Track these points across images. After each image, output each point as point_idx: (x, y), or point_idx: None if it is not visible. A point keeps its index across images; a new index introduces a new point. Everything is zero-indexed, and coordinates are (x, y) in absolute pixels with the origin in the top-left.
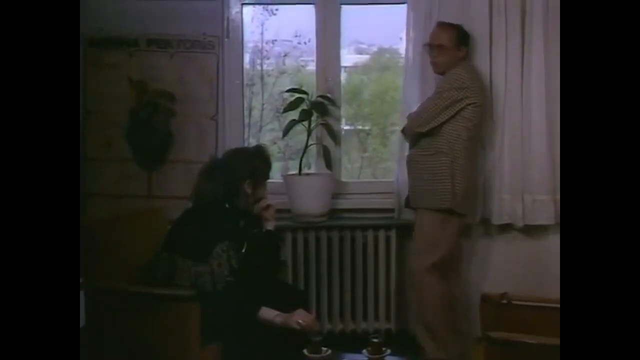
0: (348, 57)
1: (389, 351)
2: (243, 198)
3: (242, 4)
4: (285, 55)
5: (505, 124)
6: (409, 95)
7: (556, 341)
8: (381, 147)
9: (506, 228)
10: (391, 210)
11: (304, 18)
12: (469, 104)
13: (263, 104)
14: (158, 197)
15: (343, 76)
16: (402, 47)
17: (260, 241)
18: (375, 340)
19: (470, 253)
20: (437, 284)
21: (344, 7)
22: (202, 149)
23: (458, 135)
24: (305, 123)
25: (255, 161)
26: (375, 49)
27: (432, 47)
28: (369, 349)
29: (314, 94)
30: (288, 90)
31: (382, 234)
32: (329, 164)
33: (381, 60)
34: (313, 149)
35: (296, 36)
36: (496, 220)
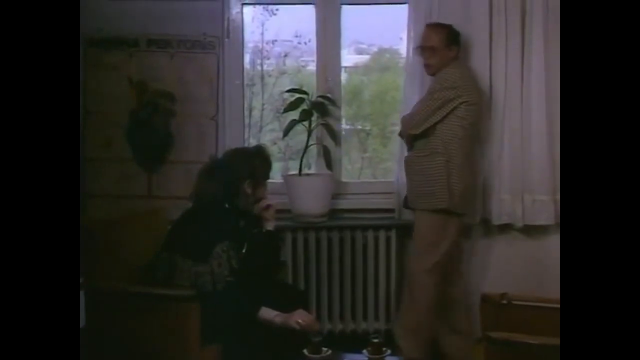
0: (348, 57)
1: (389, 351)
2: (243, 198)
3: (243, 4)
4: (285, 56)
5: (505, 123)
6: (410, 96)
7: (556, 341)
8: (381, 147)
9: (506, 228)
10: (391, 211)
11: (304, 18)
12: (462, 103)
13: (263, 104)
14: (158, 198)
15: (343, 76)
16: (402, 48)
17: (260, 241)
18: (375, 340)
19: (470, 253)
20: (434, 286)
21: (344, 7)
22: (202, 149)
23: (453, 134)
24: (306, 123)
25: (255, 161)
26: (375, 49)
27: (424, 49)
28: (369, 349)
29: (314, 94)
30: (288, 91)
31: (382, 234)
32: (329, 164)
33: (381, 61)
34: (313, 149)
35: (296, 36)
36: (496, 221)
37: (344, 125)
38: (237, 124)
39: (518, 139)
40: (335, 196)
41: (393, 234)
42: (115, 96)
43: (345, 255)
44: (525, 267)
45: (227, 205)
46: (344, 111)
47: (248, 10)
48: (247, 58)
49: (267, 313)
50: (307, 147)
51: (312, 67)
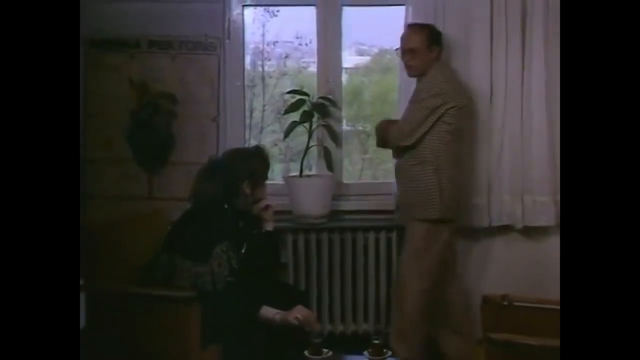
0: (349, 59)
1: (389, 353)
2: (242, 198)
3: (243, 5)
4: (286, 57)
5: (505, 124)
6: (407, 97)
7: (557, 342)
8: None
9: (506, 229)
10: (392, 212)
11: (305, 19)
12: (450, 108)
13: (264, 106)
14: (159, 199)
15: (344, 77)
16: None
17: (260, 242)
18: (376, 341)
19: (471, 255)
20: (423, 292)
21: (345, 8)
22: (203, 151)
23: (441, 140)
24: (307, 124)
25: (254, 161)
26: (376, 50)
27: (404, 51)
28: (370, 350)
29: (315, 95)
30: (289, 92)
31: (383, 236)
32: (330, 165)
33: (382, 62)
34: (314, 151)
35: (297, 37)
36: (496, 222)
37: (345, 127)
38: (238, 125)
39: (518, 140)
40: (336, 197)
41: (394, 235)
42: (116, 97)
43: (346, 257)
44: (526, 268)
45: (226, 206)
46: (345, 112)
47: (249, 12)
48: (248, 59)
49: (267, 312)
50: (307, 148)
51: (313, 68)
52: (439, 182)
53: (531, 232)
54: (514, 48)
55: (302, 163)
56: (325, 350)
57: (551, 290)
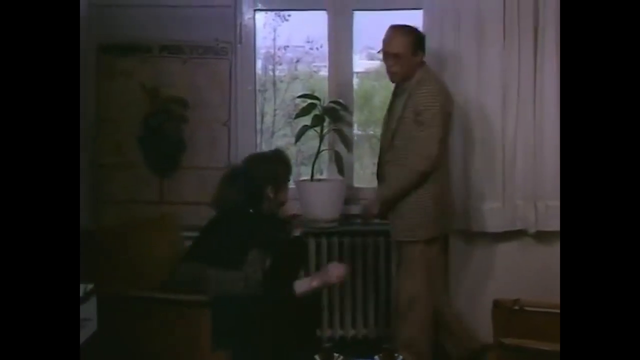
0: (360, 63)
1: (400, 357)
2: (266, 203)
3: (255, 10)
4: (297, 61)
5: (518, 128)
6: None
7: None
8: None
9: (518, 234)
10: None
11: (316, 24)
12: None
13: (275, 110)
14: (170, 203)
15: (355, 82)
16: None
17: (288, 247)
18: (386, 346)
19: (483, 259)
20: (424, 304)
21: (356, 12)
22: (214, 155)
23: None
24: (318, 129)
25: (276, 166)
26: None
27: (388, 56)
28: (381, 355)
29: (326, 99)
30: (300, 96)
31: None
32: (341, 169)
33: None
34: (325, 155)
35: (308, 42)
36: (509, 226)
37: (356, 131)
38: (249, 129)
39: (531, 144)
40: (347, 202)
41: None
42: (128, 102)
43: (357, 261)
44: (538, 272)
45: (251, 210)
46: (356, 117)
47: (260, 16)
48: (259, 64)
49: (302, 285)
50: (319, 152)
51: (324, 72)
52: (433, 200)
53: (543, 236)
54: (526, 52)
55: (313, 167)
56: (336, 354)
57: None
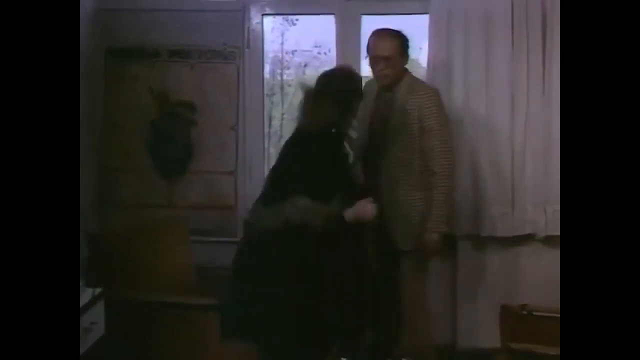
0: (368, 67)
1: None
2: (349, 121)
3: (263, 14)
4: (305, 66)
5: (527, 132)
6: None
7: None
8: None
9: (527, 238)
10: None
11: (324, 28)
12: None
13: (283, 114)
14: (178, 207)
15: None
16: (422, 57)
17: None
18: (395, 351)
19: (493, 263)
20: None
21: (364, 17)
22: (222, 159)
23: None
24: None
25: (356, 80)
26: None
27: (378, 59)
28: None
29: None
30: None
31: None
32: None
33: None
34: None
35: (316, 46)
36: (519, 231)
37: None
38: (257, 133)
39: (540, 149)
40: None
41: None
42: (136, 106)
43: None
44: (546, 277)
45: (333, 131)
46: None
47: (268, 21)
48: (267, 68)
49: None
50: None
51: None
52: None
53: (552, 241)
54: (534, 57)
55: None
56: (343, 359)
57: None
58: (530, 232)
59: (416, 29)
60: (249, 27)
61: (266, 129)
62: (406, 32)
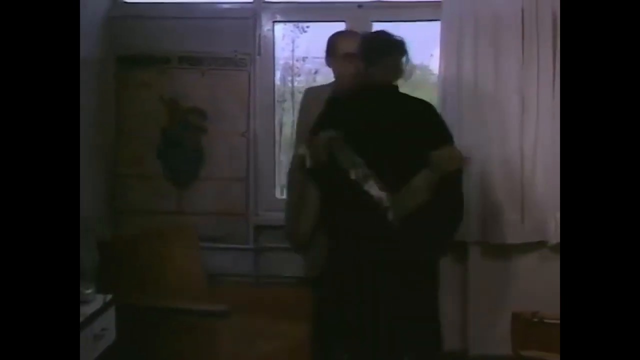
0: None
1: None
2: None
3: (274, 21)
4: (316, 72)
5: (537, 139)
6: (449, 112)
7: None
8: None
9: (538, 246)
10: None
11: None
12: None
13: (294, 121)
14: (188, 214)
15: None
16: (433, 64)
17: None
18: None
19: (503, 271)
20: None
21: (374, 24)
22: (233, 166)
23: None
24: None
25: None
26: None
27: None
28: None
29: None
30: None
31: None
32: None
33: (412, 78)
34: None
35: None
36: (529, 238)
37: None
38: (268, 140)
39: (550, 156)
40: None
41: None
42: (147, 113)
43: None
44: (557, 285)
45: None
46: None
47: (279, 28)
48: (277, 75)
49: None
50: None
51: None
52: None
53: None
54: (545, 63)
55: None
56: None
57: None
58: (540, 239)
59: (425, 36)
60: (260, 34)
61: (277, 136)
62: (416, 38)
